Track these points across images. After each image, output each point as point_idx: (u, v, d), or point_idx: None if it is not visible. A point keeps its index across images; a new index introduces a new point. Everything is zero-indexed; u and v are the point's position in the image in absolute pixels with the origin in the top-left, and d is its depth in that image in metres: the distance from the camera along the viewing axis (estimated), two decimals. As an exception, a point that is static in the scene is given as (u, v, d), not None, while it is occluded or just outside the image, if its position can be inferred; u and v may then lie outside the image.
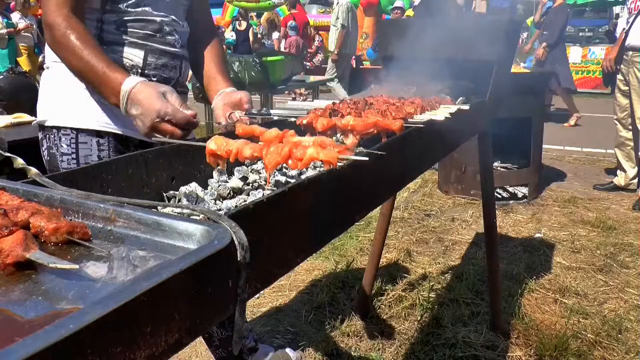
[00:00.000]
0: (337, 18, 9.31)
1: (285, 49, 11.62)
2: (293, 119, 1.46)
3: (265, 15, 14.89)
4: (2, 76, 4.64)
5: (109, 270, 0.62)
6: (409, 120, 1.54)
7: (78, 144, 1.61)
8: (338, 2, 9.48)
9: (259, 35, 14.26)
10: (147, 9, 1.62)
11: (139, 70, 1.62)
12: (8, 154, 1.12)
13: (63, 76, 1.58)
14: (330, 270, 3.40)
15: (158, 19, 1.65)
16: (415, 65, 2.32)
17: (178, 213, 0.77)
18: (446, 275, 3.41)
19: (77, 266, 0.58)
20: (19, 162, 1.08)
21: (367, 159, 1.03)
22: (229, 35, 13.72)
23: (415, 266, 3.54)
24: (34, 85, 4.80)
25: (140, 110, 1.34)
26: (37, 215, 0.71)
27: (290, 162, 1.08)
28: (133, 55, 1.62)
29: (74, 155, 1.61)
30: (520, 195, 5.00)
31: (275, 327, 2.77)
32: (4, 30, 10.17)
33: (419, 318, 2.88)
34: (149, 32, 1.64)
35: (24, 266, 0.63)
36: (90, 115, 1.60)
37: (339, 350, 2.59)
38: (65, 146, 1.61)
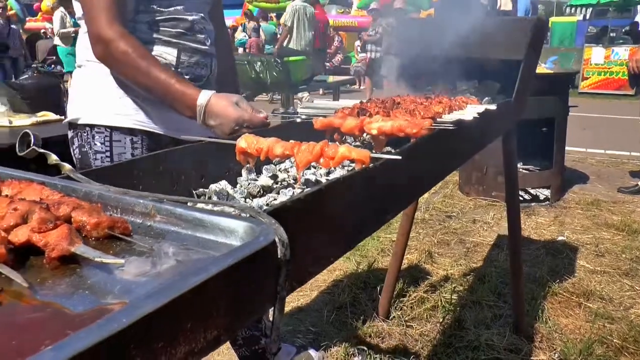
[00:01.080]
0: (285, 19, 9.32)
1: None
2: (321, 118, 1.46)
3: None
4: (27, 75, 4.70)
5: (153, 265, 0.62)
6: (438, 119, 1.53)
7: (112, 142, 1.62)
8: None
9: (279, 36, 14.31)
10: (178, 7, 1.64)
11: (173, 69, 1.62)
12: (43, 150, 1.13)
13: (96, 75, 1.59)
14: (352, 270, 3.39)
15: (189, 17, 1.67)
16: (439, 65, 2.31)
17: (218, 209, 0.77)
18: (468, 277, 3.39)
19: (122, 261, 0.58)
20: (53, 158, 1.10)
21: (400, 157, 1.03)
22: (241, 35, 13.78)
23: (436, 268, 3.52)
24: (59, 84, 4.86)
25: (218, 121, 1.42)
26: (78, 209, 0.71)
27: (322, 160, 1.09)
28: (166, 53, 1.63)
29: (107, 154, 1.62)
30: (542, 197, 4.94)
31: (297, 326, 2.76)
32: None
33: (441, 320, 2.86)
34: (181, 31, 1.65)
35: (67, 260, 0.63)
36: (124, 113, 1.61)
37: (361, 351, 2.58)
38: (99, 144, 1.63)
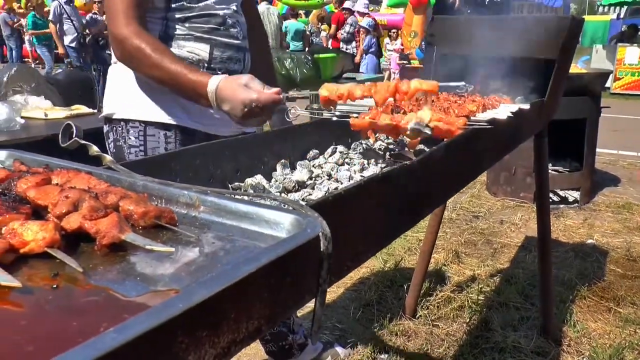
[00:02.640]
0: None
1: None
2: (355, 115, 1.46)
3: (314, 12, 14.95)
4: (60, 69, 4.79)
5: (200, 254, 0.63)
6: (472, 118, 1.52)
7: (146, 136, 1.65)
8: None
9: (307, 33, 14.34)
10: (209, 2, 1.65)
11: (206, 65, 1.64)
12: (84, 142, 1.16)
13: (130, 71, 1.61)
14: (379, 268, 3.39)
15: (221, 12, 1.67)
16: (470, 64, 2.29)
17: (261, 202, 0.78)
18: (495, 278, 3.36)
19: (172, 249, 0.60)
20: (94, 149, 1.12)
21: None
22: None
23: (463, 268, 3.50)
24: (90, 78, 4.94)
25: (229, 105, 1.37)
26: (125, 199, 0.73)
27: (397, 95, 1.24)
28: (199, 49, 1.64)
29: (141, 148, 1.65)
30: (571, 199, 4.87)
31: (324, 323, 2.77)
32: None
33: (467, 320, 2.84)
34: (213, 26, 1.66)
35: (116, 247, 0.65)
36: (158, 108, 1.64)
37: (387, 349, 2.58)
38: (133, 138, 1.65)
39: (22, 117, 2.86)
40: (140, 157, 1.63)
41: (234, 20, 1.71)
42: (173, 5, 1.60)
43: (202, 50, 1.64)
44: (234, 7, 1.72)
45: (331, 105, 1.28)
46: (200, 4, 1.63)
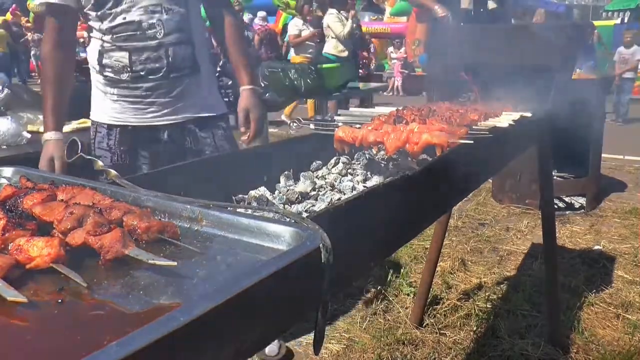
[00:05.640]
0: None
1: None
2: (358, 126, 1.47)
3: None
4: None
5: (202, 268, 0.64)
6: (473, 127, 1.53)
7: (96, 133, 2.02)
8: None
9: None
10: (124, 6, 1.81)
11: (129, 69, 1.85)
12: (89, 157, 1.18)
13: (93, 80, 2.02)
14: (385, 277, 3.38)
15: (137, 18, 1.82)
16: (473, 73, 2.30)
17: (263, 215, 0.79)
18: (502, 285, 3.35)
19: (175, 263, 0.61)
20: (99, 164, 1.14)
21: (472, 142, 1.20)
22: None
23: (470, 275, 3.49)
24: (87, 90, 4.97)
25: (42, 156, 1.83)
26: (129, 214, 0.74)
27: (407, 145, 1.27)
28: (121, 57, 1.85)
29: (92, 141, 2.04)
30: (577, 205, 4.85)
31: (330, 332, 2.77)
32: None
33: (474, 328, 2.83)
34: (130, 33, 1.83)
35: (120, 262, 0.66)
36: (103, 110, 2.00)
37: (395, 358, 2.57)
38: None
39: (28, 132, 2.88)
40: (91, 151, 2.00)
41: (152, 21, 1.83)
42: (98, 13, 1.82)
43: (123, 57, 1.85)
44: (151, 7, 1.83)
45: (344, 146, 1.38)
46: (117, 9, 1.81)
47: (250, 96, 1.97)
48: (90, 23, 1.89)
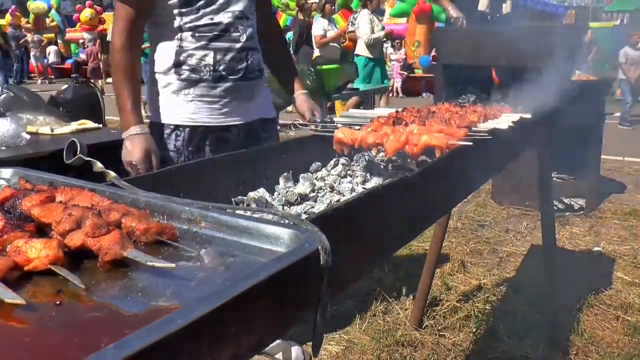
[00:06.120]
0: None
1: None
2: (357, 127, 1.47)
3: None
4: (67, 85, 4.81)
5: (201, 269, 0.64)
6: (473, 128, 1.53)
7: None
8: None
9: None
10: (214, 7, 1.86)
11: (212, 68, 1.87)
12: (88, 159, 1.17)
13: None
14: (384, 279, 3.38)
15: (225, 20, 1.88)
16: (471, 74, 2.30)
17: (262, 216, 0.79)
18: (501, 287, 3.35)
19: (174, 265, 0.61)
20: (98, 165, 1.13)
21: (471, 144, 1.19)
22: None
23: (469, 277, 3.49)
24: (96, 93, 4.98)
25: (125, 150, 1.82)
26: (128, 216, 0.74)
27: (407, 147, 1.27)
28: (206, 56, 1.87)
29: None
30: (576, 207, 4.85)
31: (329, 334, 2.77)
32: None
33: (474, 330, 2.83)
34: (217, 34, 1.88)
35: (118, 264, 0.66)
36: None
37: (394, 359, 2.57)
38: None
39: (27, 133, 2.88)
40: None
41: (236, 25, 1.91)
42: (183, 10, 1.83)
43: (208, 56, 1.87)
44: (241, 9, 1.91)
45: (343, 147, 1.39)
46: (207, 9, 1.85)
47: (308, 98, 2.22)
48: (161, 19, 1.87)
